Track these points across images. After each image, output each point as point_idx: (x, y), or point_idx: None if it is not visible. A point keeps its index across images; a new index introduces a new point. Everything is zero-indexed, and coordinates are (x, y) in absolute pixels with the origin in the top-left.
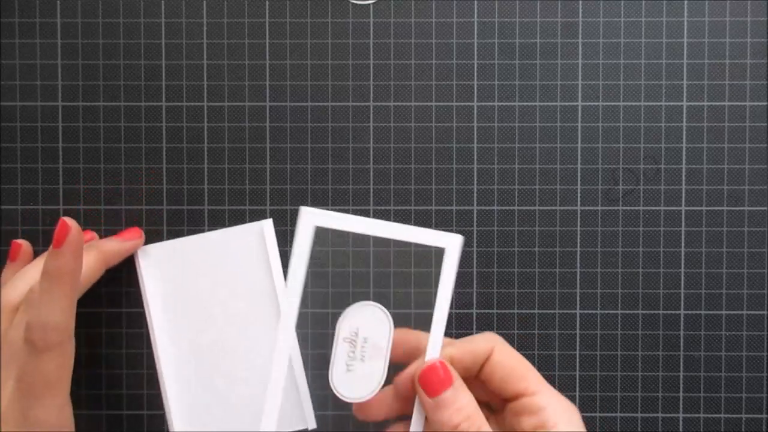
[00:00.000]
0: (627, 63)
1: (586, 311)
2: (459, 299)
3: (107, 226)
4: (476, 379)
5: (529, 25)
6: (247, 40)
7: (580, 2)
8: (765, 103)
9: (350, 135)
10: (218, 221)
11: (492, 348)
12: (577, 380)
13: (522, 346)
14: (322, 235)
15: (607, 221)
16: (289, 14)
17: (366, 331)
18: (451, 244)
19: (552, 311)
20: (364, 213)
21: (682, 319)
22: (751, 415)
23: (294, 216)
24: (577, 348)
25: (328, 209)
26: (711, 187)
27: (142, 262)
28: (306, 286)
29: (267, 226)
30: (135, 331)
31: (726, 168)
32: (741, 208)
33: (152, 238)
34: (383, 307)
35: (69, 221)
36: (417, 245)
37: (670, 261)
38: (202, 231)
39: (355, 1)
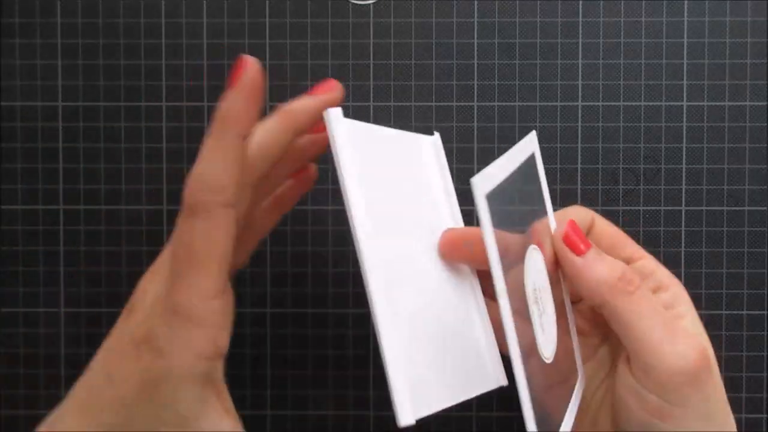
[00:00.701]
0: (627, 63)
1: None
2: None
3: (107, 226)
4: None
5: (529, 25)
6: (247, 40)
7: (580, 2)
8: (765, 103)
9: None
10: None
11: (592, 218)
12: None
13: None
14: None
15: None
16: (289, 14)
17: (535, 281)
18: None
19: None
20: None
21: None
22: (751, 415)
23: (292, 216)
24: None
25: (328, 209)
26: (711, 187)
27: (335, 126)
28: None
29: (437, 140)
30: None
31: (726, 168)
32: (741, 208)
33: (153, 238)
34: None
35: (248, 58)
36: None
37: (670, 261)
38: None
39: (355, 1)
